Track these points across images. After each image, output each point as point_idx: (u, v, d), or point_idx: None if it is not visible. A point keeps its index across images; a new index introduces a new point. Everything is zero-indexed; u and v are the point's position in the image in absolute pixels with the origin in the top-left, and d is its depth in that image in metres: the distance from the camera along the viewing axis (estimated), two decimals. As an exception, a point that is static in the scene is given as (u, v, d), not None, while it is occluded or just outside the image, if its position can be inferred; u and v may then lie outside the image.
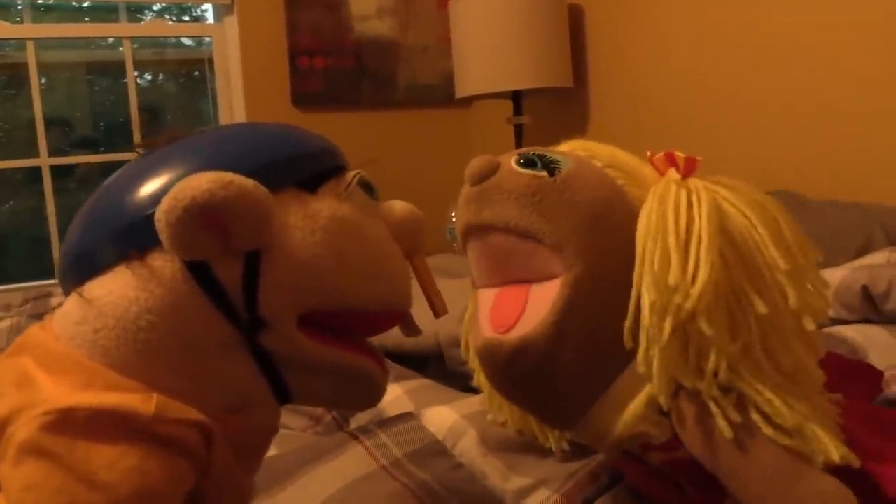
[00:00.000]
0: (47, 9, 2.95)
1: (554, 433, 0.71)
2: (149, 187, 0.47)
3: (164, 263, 0.46)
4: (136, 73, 2.74)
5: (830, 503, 0.53)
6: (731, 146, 1.88)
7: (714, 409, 0.55)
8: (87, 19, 3.15)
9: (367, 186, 0.54)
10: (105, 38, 3.08)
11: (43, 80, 2.71)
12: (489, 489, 0.68)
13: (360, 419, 0.99)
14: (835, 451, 0.54)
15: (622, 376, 0.58)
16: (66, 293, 0.50)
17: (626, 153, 0.68)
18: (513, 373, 0.58)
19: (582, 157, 0.64)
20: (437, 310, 0.59)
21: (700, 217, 0.56)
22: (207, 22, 2.99)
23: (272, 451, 0.93)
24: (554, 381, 0.58)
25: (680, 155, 0.63)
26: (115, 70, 3.01)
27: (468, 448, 0.71)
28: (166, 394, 0.44)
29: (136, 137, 2.77)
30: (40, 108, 2.60)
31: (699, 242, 0.55)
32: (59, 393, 0.43)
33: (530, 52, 2.32)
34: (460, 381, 1.08)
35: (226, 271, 0.46)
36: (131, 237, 0.46)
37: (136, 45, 2.78)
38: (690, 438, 0.57)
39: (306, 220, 0.48)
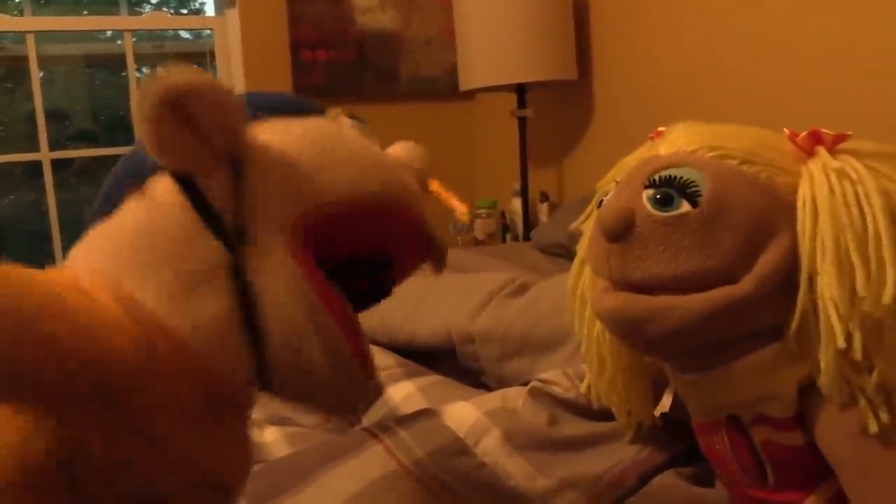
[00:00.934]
0: (47, 1, 2.93)
1: (641, 410, 0.72)
2: None
3: (159, 184, 0.47)
4: (135, 67, 2.71)
5: None
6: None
7: (864, 402, 0.55)
8: (86, 12, 3.13)
9: (352, 118, 0.54)
10: (104, 31, 3.06)
11: (42, 74, 2.69)
12: (514, 490, 0.67)
13: (372, 417, 0.98)
14: None
15: (774, 347, 0.58)
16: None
17: (756, 133, 0.63)
18: (646, 332, 0.57)
19: (716, 163, 0.59)
20: (463, 215, 0.59)
21: (872, 208, 0.54)
22: (208, 14, 2.97)
23: (287, 450, 0.92)
24: (694, 343, 0.58)
25: (827, 132, 0.60)
26: (114, 63, 2.99)
27: (491, 447, 0.69)
28: (138, 297, 0.44)
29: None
30: (41, 101, 2.57)
31: (878, 241, 0.53)
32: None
33: (534, 45, 2.31)
34: (472, 378, 1.06)
35: (210, 182, 0.46)
36: (131, 170, 0.49)
37: (135, 39, 2.76)
38: (826, 424, 0.57)
39: (286, 129, 0.48)
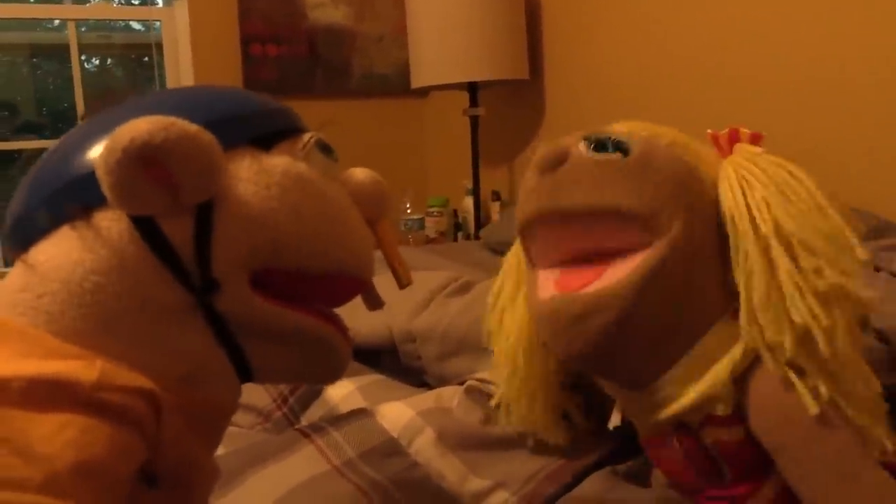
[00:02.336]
0: (-12, -12, 2.84)
1: (564, 428, 0.72)
2: (90, 145, 0.45)
3: (110, 222, 0.43)
4: (82, 58, 2.65)
5: (888, 496, 0.54)
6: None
7: (802, 385, 0.56)
8: (31, 0, 3.05)
9: (325, 148, 0.52)
10: (50, 20, 2.98)
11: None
12: (445, 490, 0.67)
13: (311, 416, 0.97)
14: (889, 442, 0.56)
15: (703, 341, 0.60)
16: (10, 263, 0.47)
17: (683, 134, 0.68)
18: (586, 328, 0.57)
19: (646, 137, 0.64)
20: (401, 280, 0.56)
21: (807, 184, 0.60)
22: (157, 5, 2.91)
23: (219, 451, 0.90)
24: (632, 338, 0.58)
25: (745, 131, 0.65)
26: (60, 53, 2.92)
27: (425, 447, 0.69)
28: (115, 361, 0.41)
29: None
30: None
31: (823, 212, 0.58)
32: None
33: (486, 44, 2.31)
34: (414, 377, 1.06)
35: (175, 228, 0.43)
36: (73, 195, 0.44)
37: (82, 29, 2.70)
38: (761, 412, 0.58)
39: (260, 174, 0.46)
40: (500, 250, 1.88)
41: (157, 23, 2.82)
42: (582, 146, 0.62)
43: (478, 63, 2.33)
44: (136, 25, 3.17)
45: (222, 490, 0.64)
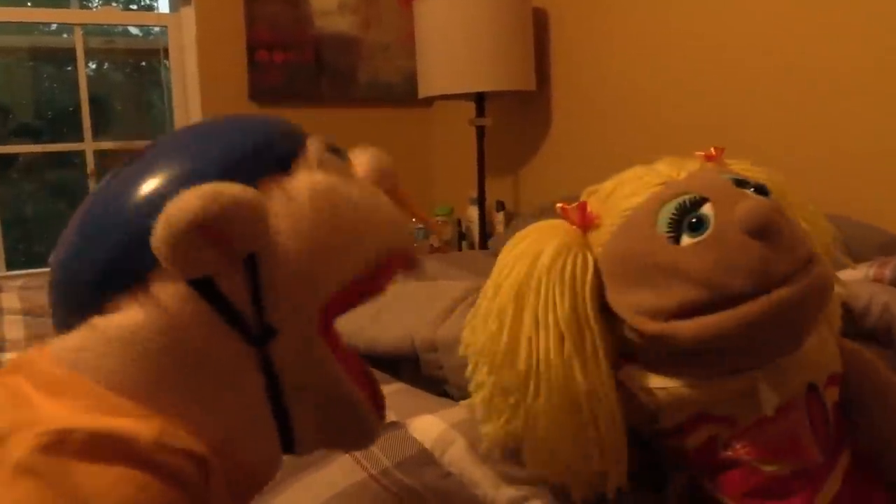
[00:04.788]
0: (-7, -9, 2.84)
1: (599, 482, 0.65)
2: (138, 208, 0.46)
3: (168, 284, 0.44)
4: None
5: None
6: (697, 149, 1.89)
7: None
8: (29, 4, 3.04)
9: (335, 150, 0.53)
10: (49, 24, 2.97)
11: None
12: (480, 498, 0.66)
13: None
14: None
15: None
16: (61, 323, 0.48)
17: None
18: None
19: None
20: (430, 226, 0.57)
21: None
22: (160, 11, 2.91)
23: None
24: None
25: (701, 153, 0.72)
26: (60, 57, 2.91)
27: (458, 457, 0.69)
28: (171, 419, 0.43)
29: (87, 127, 2.68)
30: None
31: None
32: (59, 414, 0.41)
33: (494, 55, 2.32)
34: (435, 386, 1.06)
35: (230, 282, 0.44)
36: (131, 265, 0.45)
37: (84, 33, 2.69)
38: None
39: (291, 204, 0.47)
40: (509, 260, 1.89)
41: (161, 28, 2.81)
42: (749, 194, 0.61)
43: (485, 73, 2.33)
44: (134, 31, 3.16)
45: (264, 498, 0.63)
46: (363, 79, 2.97)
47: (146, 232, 0.43)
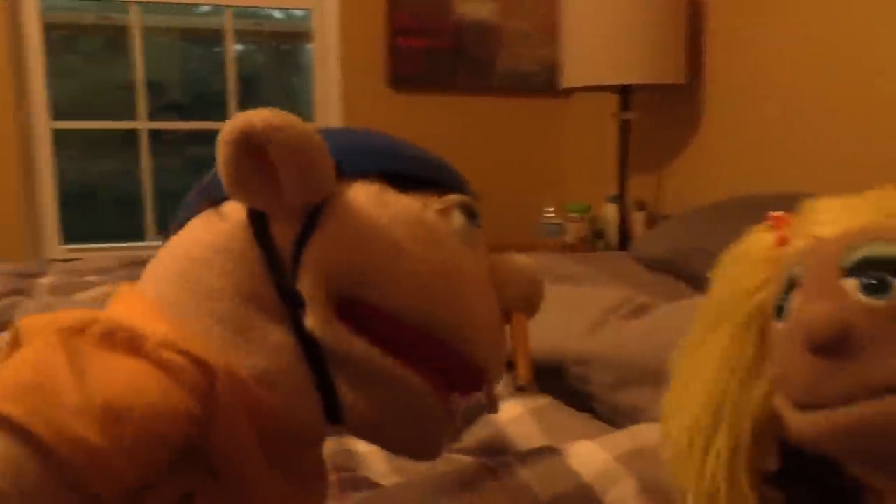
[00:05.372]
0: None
1: None
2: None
3: (232, 210, 0.47)
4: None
5: None
6: (861, 154, 1.72)
7: None
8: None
9: (470, 213, 0.50)
10: (198, 6, 3.07)
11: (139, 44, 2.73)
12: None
13: (476, 434, 0.90)
14: None
15: None
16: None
17: None
18: None
19: None
20: (521, 379, 0.52)
21: None
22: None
23: (384, 465, 0.85)
24: None
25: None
26: (209, 38, 2.99)
27: (624, 499, 0.61)
28: (202, 338, 0.44)
29: (231, 107, 2.75)
30: (142, 71, 2.62)
31: None
32: (106, 313, 0.44)
33: (643, 45, 2.20)
34: (578, 401, 0.98)
35: (282, 229, 0.45)
36: (210, 188, 0.49)
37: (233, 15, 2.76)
38: None
39: (379, 204, 0.46)
40: (652, 265, 1.78)
41: (304, 12, 2.84)
42: (854, 292, 0.45)
43: (632, 65, 2.22)
44: (279, 14, 3.21)
45: None
46: (501, 67, 2.91)
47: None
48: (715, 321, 0.55)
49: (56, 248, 2.69)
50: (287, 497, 0.46)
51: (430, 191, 0.49)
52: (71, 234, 2.69)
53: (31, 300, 1.44)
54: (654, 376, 0.89)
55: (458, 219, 0.49)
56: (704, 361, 0.55)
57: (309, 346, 0.45)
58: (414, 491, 0.61)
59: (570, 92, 2.75)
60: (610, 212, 2.54)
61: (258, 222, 0.45)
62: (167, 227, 0.53)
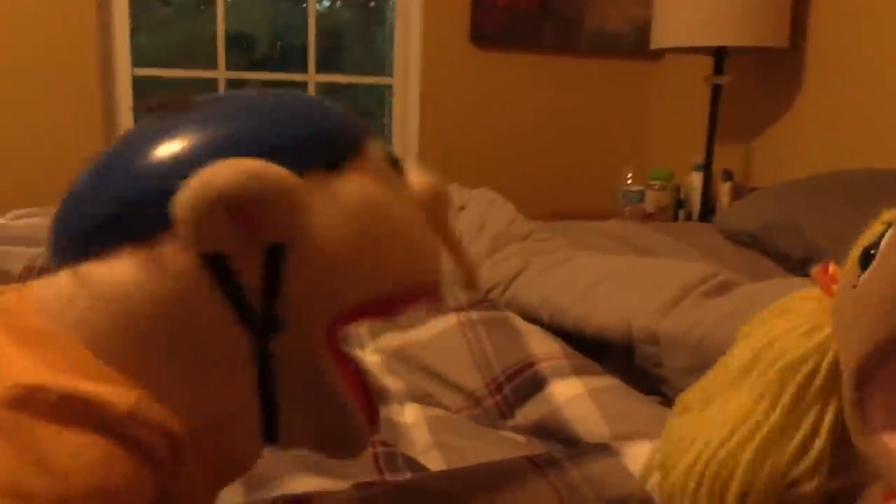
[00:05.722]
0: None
1: None
2: (163, 163, 0.43)
3: (177, 251, 0.41)
4: (315, -5, 2.69)
5: None
6: None
7: None
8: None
9: (394, 162, 0.49)
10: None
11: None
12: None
13: (528, 413, 0.84)
14: None
15: None
16: (56, 264, 0.45)
17: None
18: None
19: None
20: (470, 284, 0.54)
21: None
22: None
23: (427, 436, 0.80)
24: None
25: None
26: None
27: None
28: (151, 393, 0.40)
29: (311, 60, 2.73)
30: (223, 21, 2.65)
31: None
32: (32, 370, 0.39)
33: (743, 4, 2.06)
34: (647, 383, 0.90)
35: (244, 265, 0.41)
36: (141, 219, 0.42)
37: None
38: None
39: (334, 205, 0.43)
40: (738, 240, 1.67)
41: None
42: None
43: (729, 25, 2.08)
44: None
45: None
46: (589, 27, 2.78)
47: (171, 190, 0.39)
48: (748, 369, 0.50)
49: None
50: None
51: (353, 151, 0.47)
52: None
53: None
54: (733, 362, 0.81)
55: (389, 174, 0.48)
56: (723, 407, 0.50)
57: (265, 378, 0.44)
58: (455, 482, 0.56)
59: (660, 53, 2.61)
60: (694, 181, 2.41)
61: (214, 263, 0.41)
62: None
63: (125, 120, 2.63)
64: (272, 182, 0.40)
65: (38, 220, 1.58)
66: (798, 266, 1.53)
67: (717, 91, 2.24)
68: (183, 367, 0.42)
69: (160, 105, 0.46)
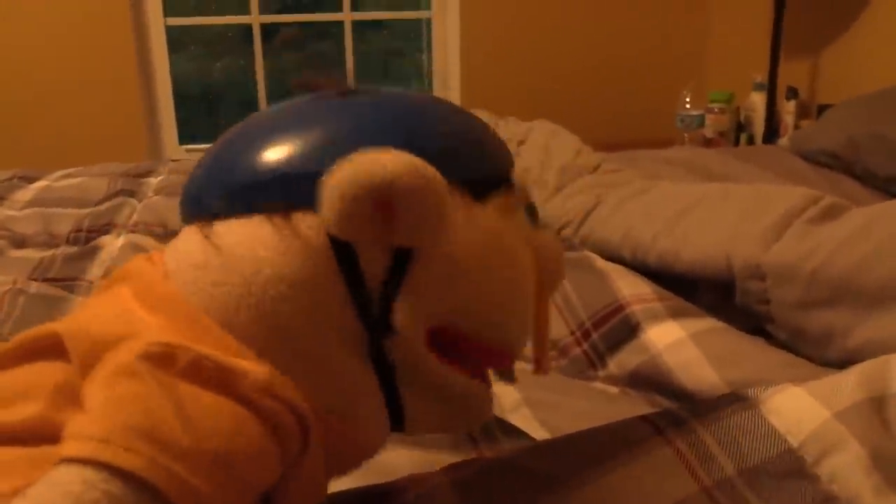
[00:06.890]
0: None
1: None
2: (319, 140, 0.43)
3: (312, 231, 0.41)
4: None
5: None
6: None
7: None
8: None
9: (532, 212, 0.49)
10: None
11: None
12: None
13: (622, 362, 0.77)
14: None
15: None
16: (187, 221, 0.45)
17: None
18: None
19: None
20: (540, 367, 0.50)
21: None
22: None
23: (525, 410, 0.73)
24: None
25: None
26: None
27: (848, 472, 0.46)
28: (287, 377, 0.40)
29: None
30: None
31: None
32: (169, 334, 0.39)
33: None
34: (745, 321, 0.82)
35: (371, 259, 0.41)
36: (286, 189, 0.42)
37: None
38: None
39: (469, 228, 0.43)
40: (818, 160, 1.55)
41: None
42: None
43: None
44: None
45: (571, 481, 0.46)
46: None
47: (317, 169, 0.40)
48: None
49: (176, 148, 2.69)
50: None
51: (497, 188, 0.46)
52: (195, 136, 2.74)
53: (135, 200, 1.39)
54: (854, 295, 0.72)
55: (524, 222, 0.47)
56: None
57: (385, 371, 0.44)
58: (559, 459, 0.48)
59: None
60: (755, 101, 2.28)
61: (345, 253, 0.41)
62: None
63: (160, 72, 2.57)
64: (429, 182, 0.40)
65: (84, 181, 1.54)
66: (881, 185, 1.42)
67: (780, 2, 2.10)
68: (305, 350, 0.42)
69: (317, 85, 0.46)
